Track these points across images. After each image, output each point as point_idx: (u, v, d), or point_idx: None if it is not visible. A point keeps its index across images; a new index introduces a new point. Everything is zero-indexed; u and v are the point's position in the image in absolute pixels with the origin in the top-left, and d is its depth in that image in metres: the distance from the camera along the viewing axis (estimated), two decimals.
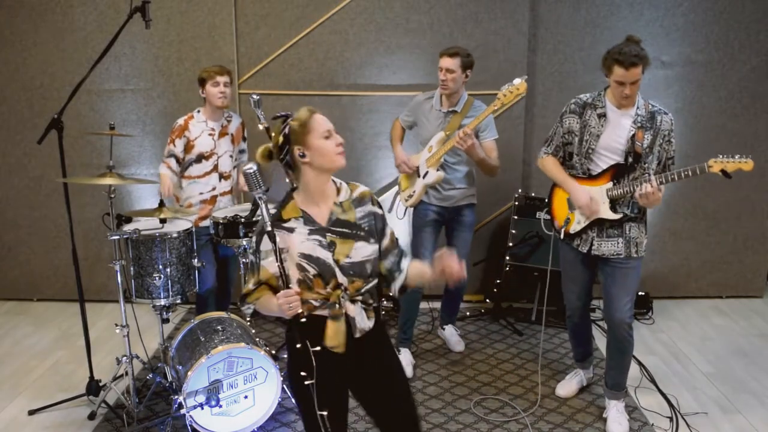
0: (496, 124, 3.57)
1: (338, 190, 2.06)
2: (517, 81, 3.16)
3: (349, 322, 2.01)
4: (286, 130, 2.00)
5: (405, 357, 3.64)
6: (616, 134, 2.85)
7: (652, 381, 3.47)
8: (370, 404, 2.19)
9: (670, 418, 3.16)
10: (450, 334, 3.92)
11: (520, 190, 4.43)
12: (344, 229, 2.01)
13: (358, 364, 2.07)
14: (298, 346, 1.94)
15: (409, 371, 3.57)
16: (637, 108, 2.84)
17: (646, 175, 2.81)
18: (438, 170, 3.48)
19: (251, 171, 1.91)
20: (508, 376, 3.59)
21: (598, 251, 2.96)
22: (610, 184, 2.88)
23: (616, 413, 3.08)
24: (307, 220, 2.00)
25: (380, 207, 2.11)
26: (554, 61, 4.37)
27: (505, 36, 4.27)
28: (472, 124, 3.31)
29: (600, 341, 3.94)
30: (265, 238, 1.96)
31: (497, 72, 4.28)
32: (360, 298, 2.02)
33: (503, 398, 3.35)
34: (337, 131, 2.05)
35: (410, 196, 3.62)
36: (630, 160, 2.83)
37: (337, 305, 1.98)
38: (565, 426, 3.10)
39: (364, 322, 2.03)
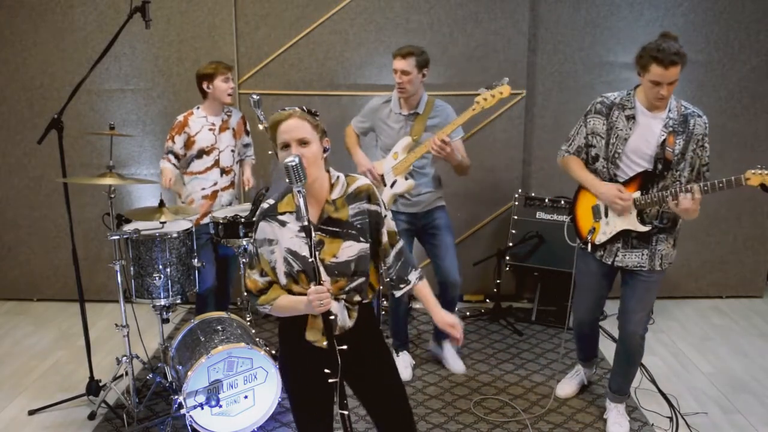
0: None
1: (332, 186, 2.02)
2: (499, 83, 3.05)
3: (331, 320, 1.98)
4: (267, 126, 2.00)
5: (403, 360, 3.59)
6: (645, 138, 2.67)
7: (652, 381, 3.47)
8: (365, 401, 2.20)
9: (670, 418, 3.16)
10: (449, 352, 3.66)
11: (520, 190, 4.43)
12: (335, 228, 2.00)
13: (346, 361, 2.03)
14: (325, 344, 1.93)
15: (407, 374, 3.52)
16: (669, 110, 2.67)
17: (677, 183, 2.67)
18: (407, 178, 3.32)
19: (293, 164, 1.82)
20: (508, 376, 3.59)
21: (621, 263, 2.83)
22: (637, 194, 2.71)
23: (616, 415, 3.07)
24: (299, 216, 1.96)
25: (378, 204, 2.07)
26: (554, 61, 4.37)
27: (505, 36, 4.27)
28: (448, 129, 3.16)
29: (600, 341, 3.93)
30: (261, 226, 1.99)
31: (497, 72, 4.27)
32: (344, 296, 2.03)
33: (503, 398, 3.34)
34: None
35: None
36: (659, 167, 2.66)
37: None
38: (565, 426, 3.10)
39: (345, 321, 2.04)
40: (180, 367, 2.94)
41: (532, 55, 4.35)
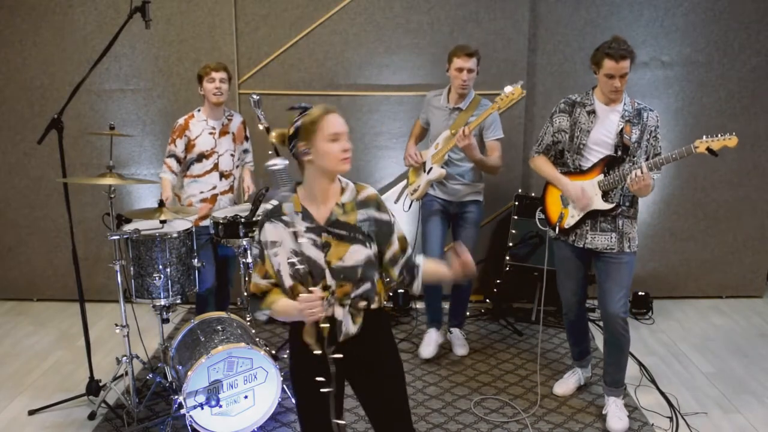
0: None
1: (342, 190, 2.02)
2: (508, 89, 3.20)
3: (335, 325, 1.98)
4: (298, 123, 1.96)
5: (429, 336, 3.79)
6: (605, 129, 2.95)
7: (652, 381, 3.47)
8: (365, 409, 2.18)
9: (670, 418, 3.16)
10: (456, 337, 3.91)
11: (520, 190, 4.43)
12: (342, 231, 1.98)
13: (348, 367, 2.03)
14: (318, 352, 1.93)
15: (429, 351, 3.73)
16: (624, 104, 2.95)
17: (634, 167, 2.87)
18: (441, 167, 3.52)
19: (278, 167, 1.82)
20: (508, 376, 3.59)
21: (591, 245, 3.02)
22: (601, 176, 2.96)
23: (615, 409, 3.09)
24: (306, 216, 1.98)
25: (387, 213, 2.05)
26: (554, 61, 4.37)
27: (505, 36, 4.27)
28: (472, 124, 3.35)
29: (599, 341, 3.93)
30: (265, 228, 1.98)
31: (497, 72, 4.28)
32: (348, 302, 1.99)
33: (503, 398, 3.35)
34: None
35: (415, 190, 3.70)
36: (620, 152, 2.93)
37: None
38: (565, 426, 3.10)
39: (349, 327, 2.00)
40: (180, 367, 2.94)
41: (532, 55, 4.35)
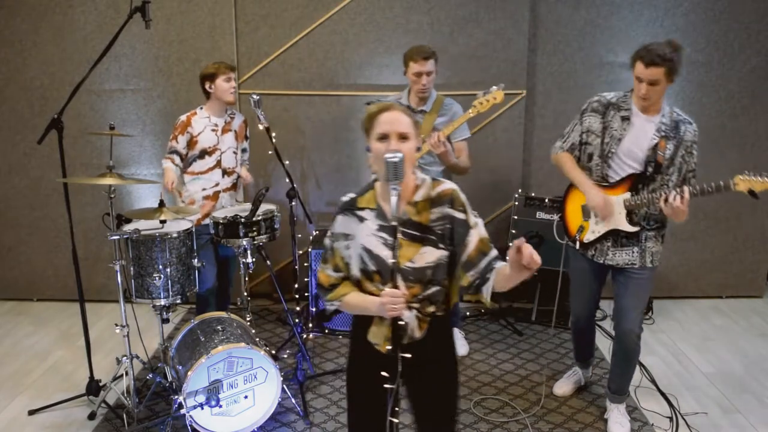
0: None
1: (417, 188, 1.93)
2: (494, 89, 3.13)
3: (400, 327, 1.91)
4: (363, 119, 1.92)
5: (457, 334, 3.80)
6: (638, 140, 2.73)
7: (652, 381, 3.47)
8: (415, 415, 2.13)
9: (670, 418, 3.16)
10: (456, 336, 3.88)
11: (520, 190, 4.43)
12: (414, 232, 1.91)
13: (409, 370, 1.94)
14: (387, 349, 1.91)
15: (464, 349, 3.80)
16: (662, 115, 2.72)
17: (665, 186, 2.72)
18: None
19: (396, 160, 1.74)
20: (508, 376, 3.59)
21: (612, 261, 2.88)
22: (627, 194, 2.77)
23: (617, 415, 3.07)
24: (380, 214, 1.93)
25: (464, 210, 1.92)
26: (554, 61, 4.37)
27: (505, 36, 4.27)
28: (447, 130, 3.27)
29: (600, 341, 3.94)
30: (338, 220, 1.95)
31: (497, 72, 4.28)
32: (417, 305, 1.93)
33: (503, 398, 3.34)
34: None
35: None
36: (650, 169, 2.72)
37: None
38: (565, 426, 3.10)
39: (414, 331, 1.95)
40: (180, 367, 2.94)
41: (532, 55, 4.35)
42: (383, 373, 1.87)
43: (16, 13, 4.24)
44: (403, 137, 1.85)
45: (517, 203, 4.28)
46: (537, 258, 1.67)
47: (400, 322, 1.86)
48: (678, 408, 3.24)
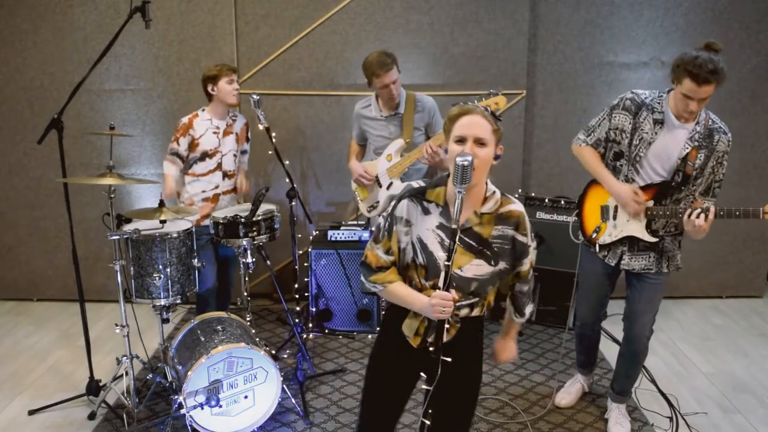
0: None
1: (486, 200, 1.93)
2: (492, 94, 3.03)
3: (429, 325, 1.96)
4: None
5: None
6: (668, 147, 2.60)
7: (652, 381, 3.47)
8: (434, 409, 2.14)
9: (670, 418, 3.16)
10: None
11: (520, 190, 4.43)
12: (472, 242, 1.91)
13: (433, 367, 1.97)
14: (417, 344, 1.94)
15: None
16: (697, 123, 2.57)
17: (690, 197, 2.66)
18: (403, 180, 3.42)
19: (465, 163, 1.74)
20: (508, 376, 3.59)
21: (627, 266, 2.81)
22: (650, 203, 2.67)
23: (618, 415, 3.07)
24: (444, 212, 1.92)
25: (527, 234, 1.97)
26: (554, 61, 4.37)
27: (505, 36, 4.27)
28: (438, 138, 3.23)
29: (600, 341, 3.93)
30: (403, 203, 1.93)
31: (497, 72, 4.29)
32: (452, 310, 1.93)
33: (503, 398, 3.34)
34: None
35: (373, 207, 3.58)
36: (677, 179, 2.61)
37: None
38: (565, 426, 3.10)
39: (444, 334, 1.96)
40: (180, 367, 2.94)
41: (532, 55, 4.35)
42: (422, 374, 1.94)
43: (16, 13, 4.24)
44: (480, 142, 1.84)
45: None
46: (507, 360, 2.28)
47: (447, 326, 1.88)
48: (678, 408, 3.24)
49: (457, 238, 1.85)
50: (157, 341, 3.64)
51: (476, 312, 2.02)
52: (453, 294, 1.83)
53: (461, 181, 1.75)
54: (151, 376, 3.18)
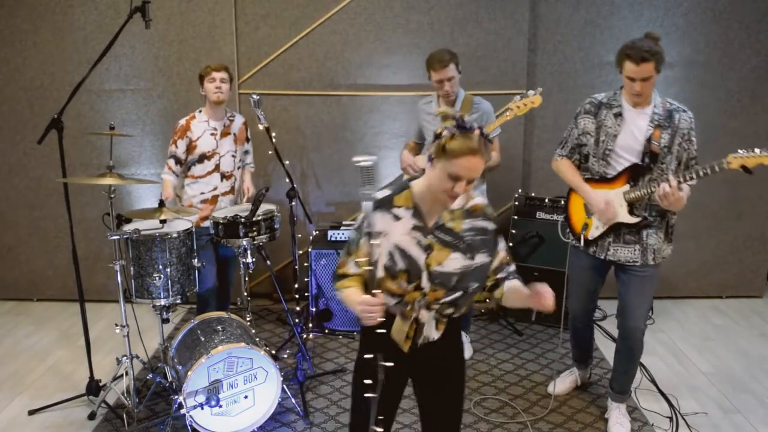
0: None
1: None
2: (531, 93, 3.19)
3: (418, 327, 1.98)
4: (443, 140, 1.84)
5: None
6: (633, 134, 2.77)
7: (652, 381, 3.47)
8: (421, 408, 2.18)
9: (670, 418, 3.16)
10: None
11: (520, 190, 4.43)
12: (446, 237, 1.94)
13: (420, 368, 2.02)
14: (368, 356, 1.92)
15: (468, 352, 3.75)
16: (654, 106, 2.75)
17: (664, 176, 2.73)
18: None
19: (366, 164, 1.75)
20: (508, 376, 3.59)
21: (614, 257, 2.89)
22: (626, 187, 2.80)
23: (618, 415, 3.07)
24: (416, 214, 1.94)
25: (493, 222, 2.01)
26: (554, 61, 4.37)
27: (505, 36, 4.27)
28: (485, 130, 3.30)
29: (600, 341, 3.94)
30: (375, 216, 1.91)
31: (497, 72, 4.28)
32: (437, 307, 1.97)
33: (503, 398, 3.34)
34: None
35: None
36: (647, 160, 2.74)
37: (410, 306, 1.95)
38: (565, 426, 3.10)
39: (432, 332, 2.00)
40: (180, 367, 2.94)
41: (532, 55, 4.35)
42: (389, 364, 1.91)
43: (16, 13, 4.24)
44: (471, 182, 1.87)
45: (517, 203, 4.28)
46: (551, 305, 1.87)
47: (423, 324, 1.90)
48: (678, 408, 3.24)
49: (433, 233, 1.92)
50: (157, 341, 3.64)
51: (463, 311, 2.05)
52: (379, 297, 1.84)
53: (366, 182, 1.78)
54: (151, 376, 3.18)
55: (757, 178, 4.49)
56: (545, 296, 1.87)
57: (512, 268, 2.08)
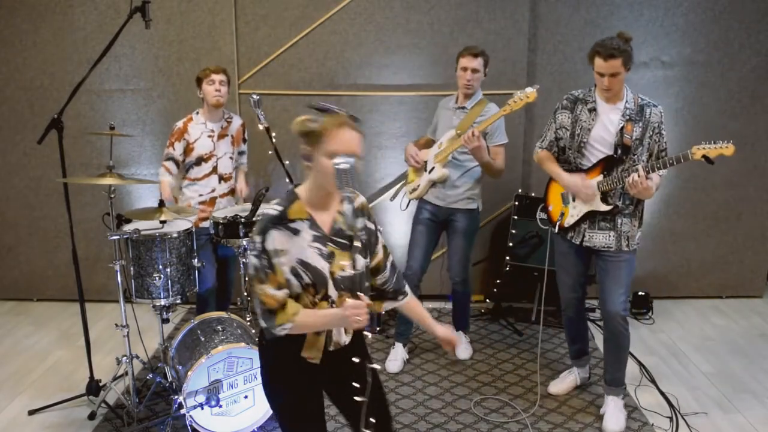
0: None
1: (343, 198, 1.90)
2: (529, 90, 3.22)
3: (327, 335, 1.96)
4: (311, 125, 1.83)
5: (396, 351, 3.70)
6: (606, 127, 2.93)
7: (652, 381, 3.47)
8: (346, 416, 2.15)
9: (670, 418, 3.16)
10: (459, 340, 3.80)
11: (520, 190, 4.43)
12: (345, 241, 1.93)
13: (333, 376, 2.02)
14: (318, 361, 1.91)
15: (395, 366, 3.62)
16: (626, 102, 2.91)
17: (635, 166, 2.86)
18: (444, 167, 3.49)
19: (347, 167, 1.73)
20: (508, 376, 3.59)
21: (589, 243, 3.04)
22: (600, 177, 2.95)
23: (613, 409, 3.08)
24: (313, 224, 1.90)
25: (373, 221, 2.05)
26: (554, 61, 4.37)
27: (505, 36, 4.27)
28: (482, 125, 3.34)
29: (599, 341, 3.93)
30: (271, 235, 1.82)
31: (497, 72, 4.28)
32: None
33: (503, 398, 3.35)
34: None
35: (414, 189, 3.66)
36: (619, 152, 2.90)
37: None
38: (565, 426, 3.10)
39: (341, 337, 1.99)
40: (180, 367, 2.94)
41: (532, 55, 4.35)
42: (354, 384, 1.91)
43: (16, 13, 4.24)
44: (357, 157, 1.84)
45: (517, 203, 4.28)
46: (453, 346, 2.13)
47: (366, 332, 1.90)
48: (678, 408, 3.24)
49: (332, 240, 1.91)
50: (157, 341, 3.64)
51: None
52: (364, 299, 1.85)
53: (347, 184, 1.75)
54: (151, 376, 3.18)
55: (757, 178, 4.50)
56: (453, 344, 2.10)
57: (389, 269, 2.08)
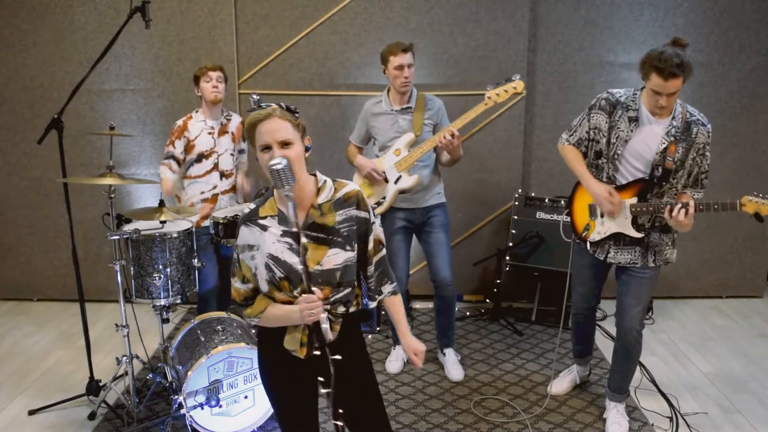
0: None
1: (319, 191, 1.95)
2: (516, 77, 3.11)
3: (312, 330, 1.92)
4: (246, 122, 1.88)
5: (396, 352, 3.70)
6: (646, 143, 2.65)
7: (652, 381, 3.47)
8: (345, 420, 2.11)
9: (670, 419, 3.16)
10: (449, 359, 3.61)
11: (520, 190, 4.43)
12: (319, 234, 1.90)
13: (325, 372, 1.95)
14: (318, 353, 1.90)
15: (395, 366, 3.61)
16: (673, 117, 2.62)
17: (673, 190, 2.70)
18: (411, 174, 3.36)
19: (281, 166, 1.73)
20: (508, 376, 3.59)
21: (614, 260, 2.88)
22: (634, 200, 2.73)
23: (616, 414, 3.07)
24: (282, 219, 1.90)
25: (367, 210, 1.99)
26: (554, 61, 4.37)
27: (505, 36, 4.27)
28: (460, 122, 3.19)
29: (600, 341, 3.94)
30: (242, 231, 1.93)
31: (497, 72, 4.28)
32: (327, 306, 1.93)
33: (503, 398, 3.34)
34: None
35: (379, 204, 3.45)
36: (657, 174, 2.65)
37: None
38: (565, 426, 3.10)
39: (327, 333, 1.92)
40: (180, 367, 2.94)
41: (532, 55, 4.35)
42: (320, 378, 1.91)
43: (16, 13, 4.24)
44: (285, 144, 1.83)
45: (517, 203, 4.28)
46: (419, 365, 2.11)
47: (323, 325, 1.86)
48: (678, 408, 3.24)
49: (305, 234, 1.89)
50: (157, 341, 3.64)
51: (353, 308, 2.01)
52: (317, 293, 1.85)
53: (283, 183, 1.75)
54: (151, 376, 3.18)
55: (757, 178, 4.50)
56: (418, 358, 2.10)
57: (377, 260, 2.04)
